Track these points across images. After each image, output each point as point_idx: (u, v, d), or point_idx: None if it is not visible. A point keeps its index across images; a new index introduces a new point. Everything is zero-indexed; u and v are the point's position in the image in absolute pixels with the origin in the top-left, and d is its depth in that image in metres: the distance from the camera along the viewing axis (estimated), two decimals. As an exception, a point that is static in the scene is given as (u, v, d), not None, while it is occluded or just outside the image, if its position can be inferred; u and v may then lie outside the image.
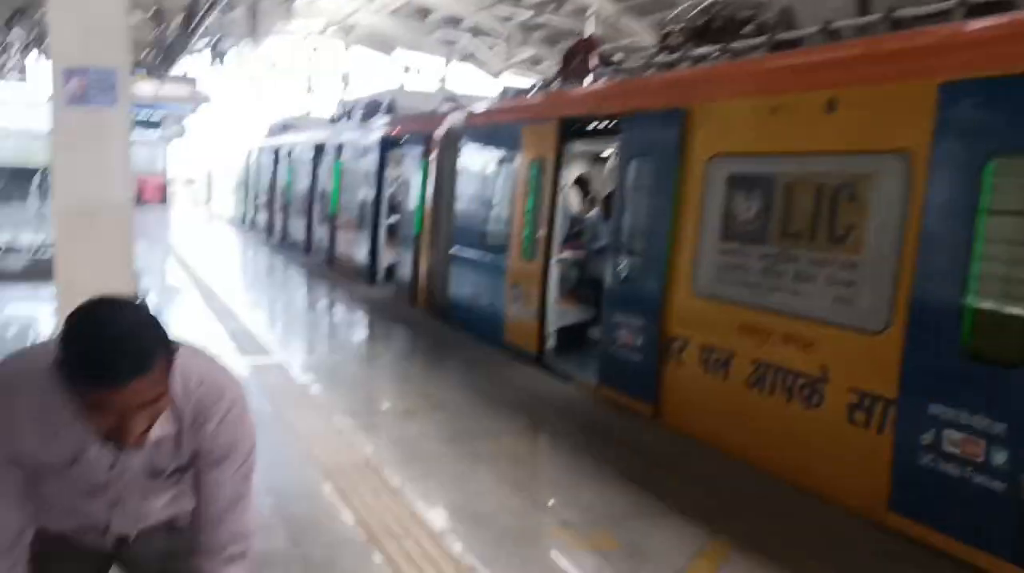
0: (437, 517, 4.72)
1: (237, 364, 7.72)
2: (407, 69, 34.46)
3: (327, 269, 16.64)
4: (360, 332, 11.25)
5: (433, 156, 12.08)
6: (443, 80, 30.60)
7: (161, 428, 1.76)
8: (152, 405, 1.67)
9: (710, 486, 5.37)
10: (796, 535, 4.68)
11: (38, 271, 11.37)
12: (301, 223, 19.88)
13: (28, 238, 15.68)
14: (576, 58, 9.69)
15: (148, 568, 2.12)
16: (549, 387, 7.84)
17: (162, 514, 2.06)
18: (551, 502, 5.15)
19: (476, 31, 30.01)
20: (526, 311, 8.88)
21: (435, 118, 12.54)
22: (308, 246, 19.01)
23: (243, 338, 9.32)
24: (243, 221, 28.37)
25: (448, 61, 32.99)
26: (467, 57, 32.91)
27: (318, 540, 4.38)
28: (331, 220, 17.26)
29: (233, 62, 31.46)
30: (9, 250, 14.88)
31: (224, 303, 11.79)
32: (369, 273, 14.45)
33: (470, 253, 10.65)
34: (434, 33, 31.23)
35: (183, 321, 10.29)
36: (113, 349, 1.60)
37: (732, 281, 6.12)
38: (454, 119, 11.76)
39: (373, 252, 14.47)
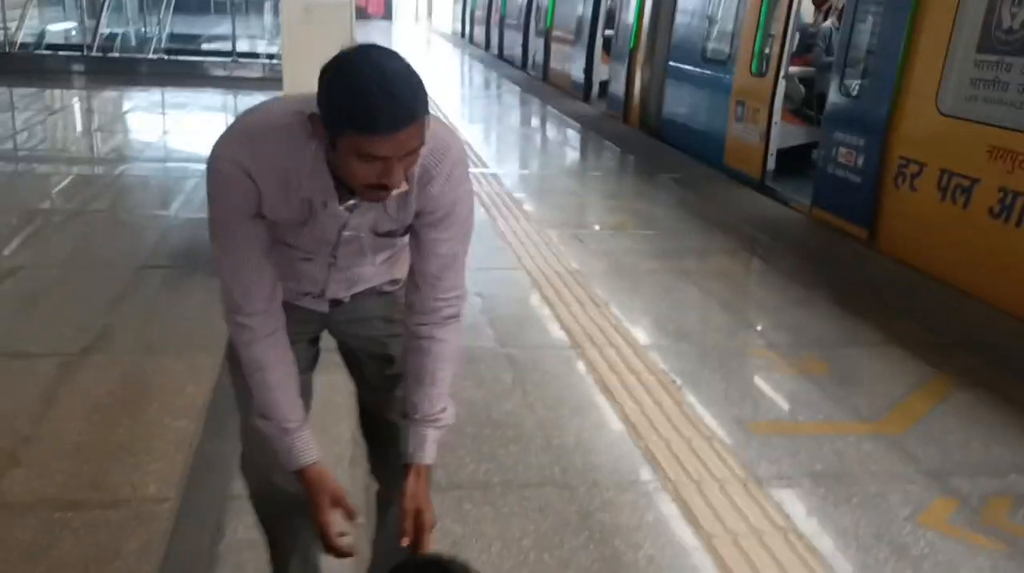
0: (641, 330, 4.69)
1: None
2: None
3: (542, 84, 16.48)
4: (571, 148, 11.15)
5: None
6: None
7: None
8: (412, 155, 1.62)
9: (931, 319, 5.01)
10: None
11: (273, 79, 11.96)
12: (517, 37, 19.62)
13: (263, 47, 16.52)
14: None
15: (359, 333, 2.16)
16: (764, 210, 7.51)
17: (375, 279, 2.08)
18: (759, 326, 4.99)
19: None
20: (751, 131, 8.40)
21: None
22: (524, 61, 18.81)
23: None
24: (463, 35, 28.44)
25: None
26: None
27: (524, 342, 4.49)
28: (546, 34, 16.91)
29: None
30: (246, 58, 15.75)
31: (439, 116, 11.98)
32: (583, 89, 14.15)
33: (690, 68, 10.13)
34: None
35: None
36: (392, 93, 1.52)
37: (988, 99, 5.43)
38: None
39: (588, 68, 14.10)
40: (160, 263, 5.56)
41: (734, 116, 8.77)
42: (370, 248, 1.94)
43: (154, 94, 13.47)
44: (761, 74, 8.28)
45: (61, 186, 7.56)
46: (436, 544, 1.98)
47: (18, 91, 12.80)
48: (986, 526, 3.06)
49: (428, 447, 1.96)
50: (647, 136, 11.06)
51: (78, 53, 15.72)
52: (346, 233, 1.86)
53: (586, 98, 13.93)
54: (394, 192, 1.67)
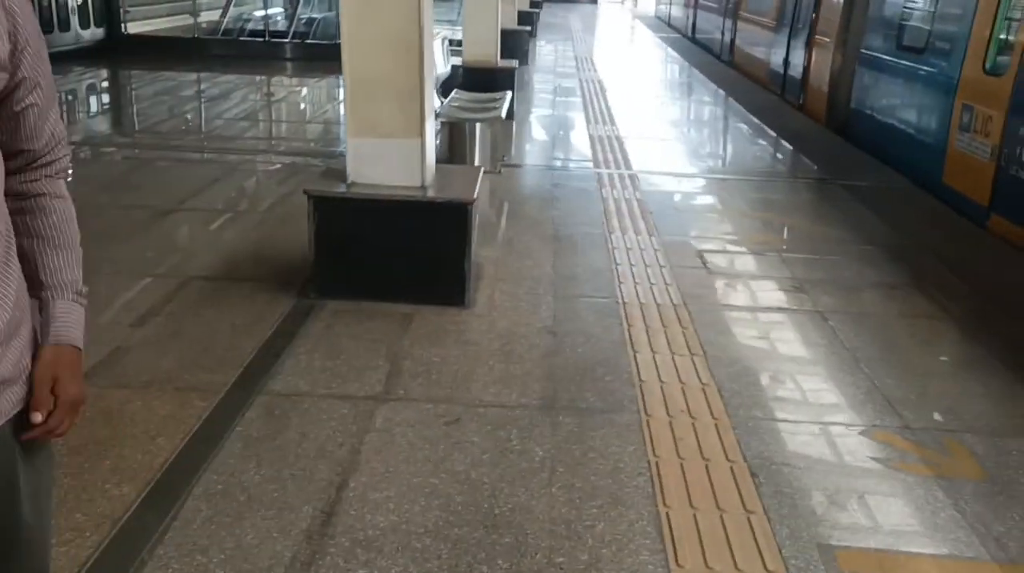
0: (731, 393, 3.73)
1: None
2: None
3: (732, 70, 15.28)
4: (736, 144, 9.96)
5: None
6: None
7: None
8: None
9: None
10: None
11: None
12: (713, 20, 18.38)
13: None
14: None
15: None
16: (966, 241, 6.20)
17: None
18: (896, 398, 3.87)
19: None
20: (980, 145, 6.76)
21: None
22: (722, 48, 17.55)
23: (601, 145, 8.64)
24: (666, 20, 27.37)
25: None
26: None
27: (578, 403, 3.66)
28: (733, 14, 15.68)
29: None
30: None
31: (600, 107, 11.16)
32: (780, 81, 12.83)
33: (892, 55, 8.69)
34: None
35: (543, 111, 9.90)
36: None
37: None
38: None
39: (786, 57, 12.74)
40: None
41: (958, 122, 7.16)
42: None
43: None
44: (999, 71, 6.70)
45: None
46: None
47: (223, 77, 13.00)
48: None
49: (77, 325, 1.51)
50: (830, 133, 9.71)
51: (280, 39, 15.98)
52: None
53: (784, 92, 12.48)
54: None
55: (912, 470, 3.20)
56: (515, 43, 13.40)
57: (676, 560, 2.64)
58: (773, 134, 9.78)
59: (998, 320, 4.66)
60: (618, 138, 9.14)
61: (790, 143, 9.19)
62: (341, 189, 4.44)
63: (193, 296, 4.62)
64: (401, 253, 4.45)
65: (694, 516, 2.86)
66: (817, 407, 3.69)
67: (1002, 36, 6.68)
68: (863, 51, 9.40)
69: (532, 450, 3.25)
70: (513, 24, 14.56)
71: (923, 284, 5.15)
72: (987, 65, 6.80)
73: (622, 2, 37.91)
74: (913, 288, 5.11)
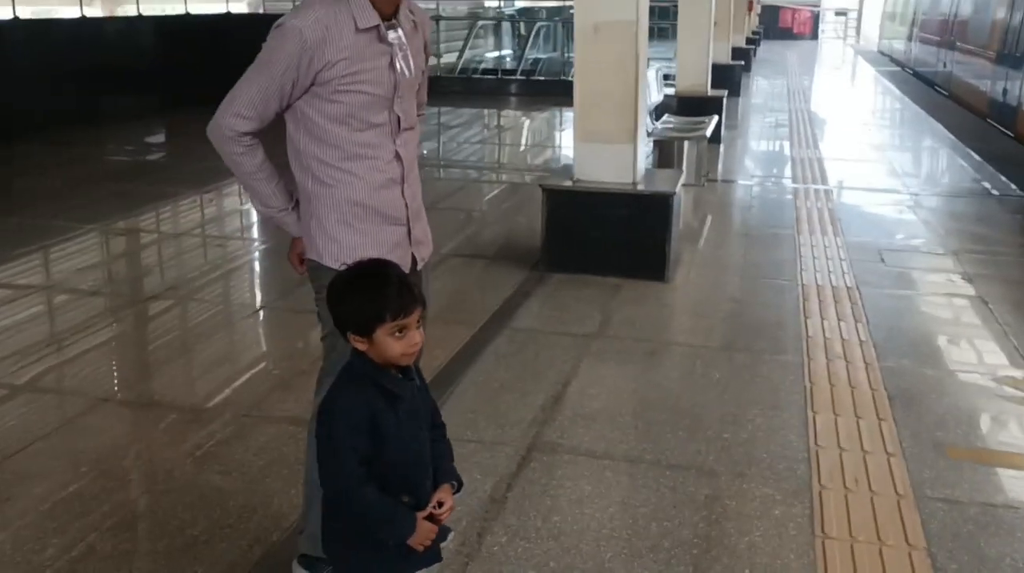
0: (878, 341, 4.50)
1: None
2: None
3: (949, 100, 15.36)
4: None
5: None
6: None
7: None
8: None
9: None
10: None
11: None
12: (930, 53, 18.37)
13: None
14: None
15: None
16: None
17: (424, 217, 2.66)
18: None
19: None
20: None
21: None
22: (938, 78, 17.56)
23: (802, 165, 9.35)
24: (883, 54, 27.09)
25: None
26: None
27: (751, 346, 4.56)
28: (951, 46, 15.74)
29: None
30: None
31: (805, 133, 11.80)
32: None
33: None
34: None
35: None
36: None
37: None
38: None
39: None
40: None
41: None
42: (411, 103, 2.43)
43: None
44: None
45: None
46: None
47: (458, 111, 14.70)
48: None
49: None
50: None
51: (510, 77, 17.68)
52: (397, 65, 2.31)
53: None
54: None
55: (1031, 405, 3.90)
56: (728, 76, 14.27)
57: (816, 441, 3.52)
58: (978, 158, 10.08)
59: None
60: (819, 159, 9.82)
61: (992, 164, 9.50)
62: (568, 183, 5.59)
63: (451, 267, 5.91)
64: (615, 236, 5.52)
65: (835, 421, 3.72)
66: (955, 359, 4.41)
67: None
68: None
69: (711, 373, 4.21)
70: (727, 59, 15.44)
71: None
72: None
73: (844, 38, 37.49)
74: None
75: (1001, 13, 13.31)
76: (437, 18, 17.59)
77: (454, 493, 1.96)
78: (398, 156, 2.40)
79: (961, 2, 16.58)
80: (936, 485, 3.22)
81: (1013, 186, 8.57)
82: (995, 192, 8.42)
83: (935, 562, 2.77)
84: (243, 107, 2.30)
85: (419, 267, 2.54)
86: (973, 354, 4.54)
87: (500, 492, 3.14)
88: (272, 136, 2.40)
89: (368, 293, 1.76)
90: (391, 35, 2.31)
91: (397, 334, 1.75)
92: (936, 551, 2.83)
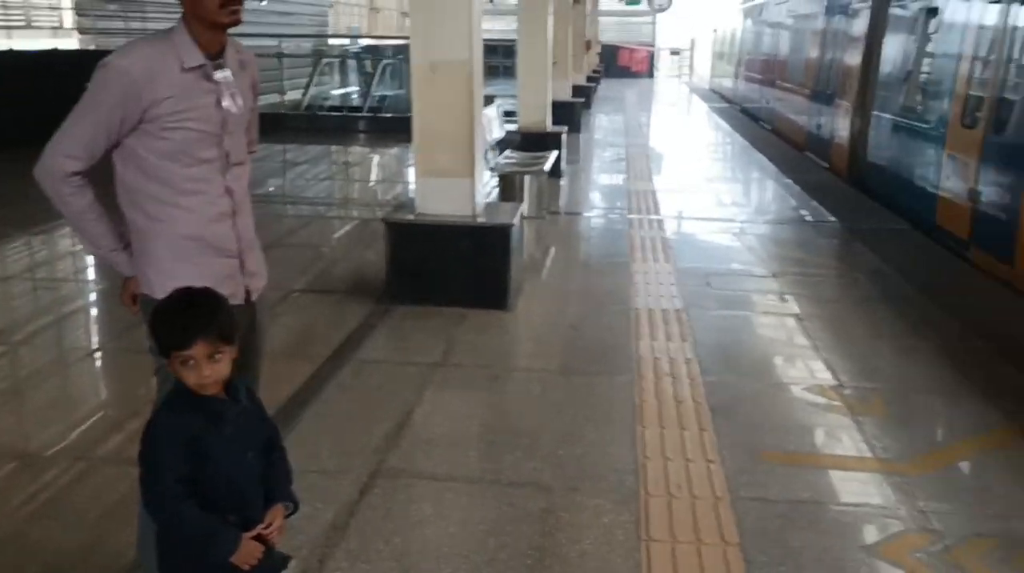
0: (705, 359, 4.82)
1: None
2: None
3: (772, 135, 16.44)
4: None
5: (865, 6, 11.23)
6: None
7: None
8: None
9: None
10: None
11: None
12: (755, 90, 19.65)
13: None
14: None
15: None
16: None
17: (257, 249, 2.67)
18: (836, 367, 4.91)
19: None
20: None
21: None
22: (761, 114, 18.80)
23: (637, 197, 9.85)
24: (714, 91, 28.66)
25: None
26: None
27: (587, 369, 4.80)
28: (772, 84, 16.93)
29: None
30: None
31: (642, 167, 12.40)
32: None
33: (896, 114, 9.81)
34: None
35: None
36: None
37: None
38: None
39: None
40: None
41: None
42: (241, 140, 2.50)
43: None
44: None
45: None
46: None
47: (304, 148, 14.54)
48: (949, 566, 3.00)
49: None
50: (849, 186, 10.75)
51: (356, 114, 17.66)
52: (224, 103, 2.38)
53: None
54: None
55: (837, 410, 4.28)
56: (569, 113, 14.85)
57: (644, 453, 3.76)
58: (797, 187, 10.85)
59: (939, 320, 5.67)
60: (653, 191, 10.34)
61: (808, 193, 10.26)
62: (410, 217, 5.73)
63: (298, 303, 5.92)
64: (457, 268, 5.68)
65: (661, 433, 3.97)
66: (771, 372, 4.78)
67: (974, 94, 7.77)
68: (874, 113, 10.52)
69: (549, 395, 4.42)
70: (568, 96, 16.04)
71: (893, 299, 6.19)
72: (965, 121, 7.89)
73: (678, 76, 39.46)
74: (883, 300, 6.15)
75: (814, 54, 14.44)
76: (279, 55, 17.47)
77: (289, 515, 2.04)
78: (228, 191, 2.47)
79: (780, 44, 17.85)
80: (750, 486, 3.50)
81: (827, 213, 9.28)
82: (811, 219, 9.10)
83: (747, 556, 3.02)
84: (71, 147, 2.32)
85: (253, 298, 2.61)
86: (787, 367, 4.93)
87: (342, 519, 3.21)
88: (100, 174, 2.43)
89: (159, 324, 1.86)
90: (218, 74, 2.39)
91: (191, 363, 1.83)
92: (748, 546, 3.08)
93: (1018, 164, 6.61)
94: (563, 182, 10.86)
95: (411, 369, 4.71)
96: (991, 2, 7.62)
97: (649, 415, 4.14)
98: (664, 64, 40.32)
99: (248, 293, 2.58)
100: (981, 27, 7.77)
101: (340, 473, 3.55)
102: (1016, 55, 7.09)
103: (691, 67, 39.32)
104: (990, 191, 7.15)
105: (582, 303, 6.00)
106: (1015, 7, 7.13)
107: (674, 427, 4.02)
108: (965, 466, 3.84)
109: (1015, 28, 7.09)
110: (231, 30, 2.41)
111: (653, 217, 8.90)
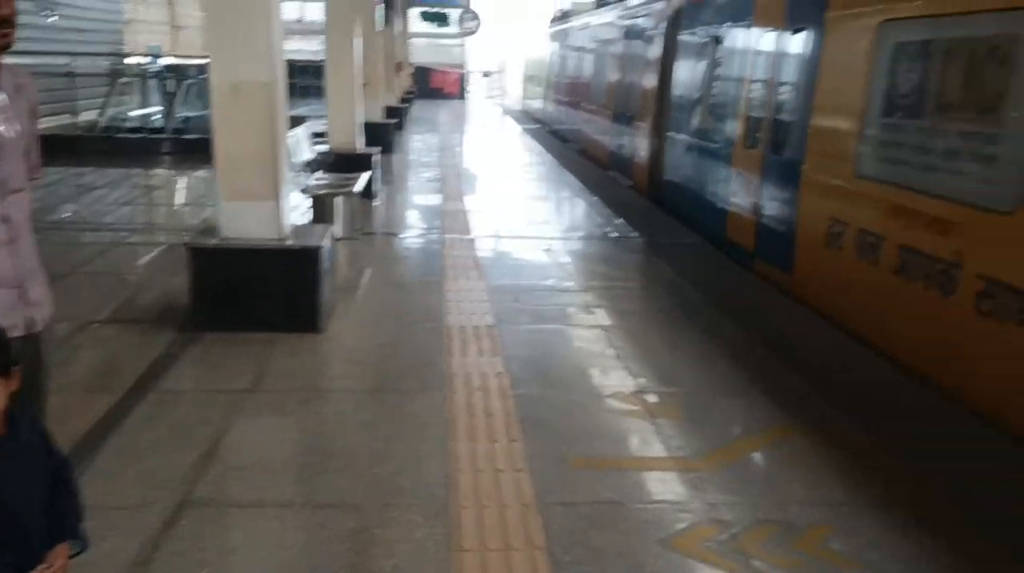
0: (516, 371, 4.98)
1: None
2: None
3: (579, 157, 17.07)
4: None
5: (658, 33, 11.93)
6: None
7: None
8: None
9: (824, 369, 5.19)
10: (882, 421, 4.44)
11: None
12: (563, 112, 20.36)
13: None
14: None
15: None
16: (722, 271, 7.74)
17: (41, 277, 2.54)
18: (637, 373, 5.20)
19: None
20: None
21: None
22: (570, 135, 19.49)
23: (451, 217, 10.00)
24: (525, 112, 29.43)
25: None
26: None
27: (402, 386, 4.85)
28: (578, 106, 17.62)
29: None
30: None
31: (456, 187, 12.59)
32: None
33: (688, 134, 10.45)
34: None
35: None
36: None
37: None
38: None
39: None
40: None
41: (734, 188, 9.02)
42: (18, 166, 2.40)
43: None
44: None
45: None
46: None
47: (103, 171, 13.77)
48: (734, 552, 3.25)
49: None
50: (649, 202, 11.34)
51: (159, 135, 16.90)
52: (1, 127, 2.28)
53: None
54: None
55: (639, 415, 4.52)
56: (382, 134, 14.89)
57: (456, 466, 3.84)
58: (603, 205, 11.34)
59: (729, 327, 6.11)
60: (466, 211, 10.53)
61: (614, 210, 10.75)
62: (215, 241, 5.59)
63: (96, 334, 5.63)
64: (266, 291, 5.59)
65: (472, 447, 4.07)
66: (577, 382, 4.99)
67: (755, 116, 8.42)
68: (668, 133, 11.17)
69: (362, 415, 4.43)
70: (380, 118, 16.08)
71: (688, 308, 6.60)
72: (748, 141, 8.53)
73: (491, 97, 40.26)
74: (680, 310, 6.54)
75: (615, 78, 15.15)
76: (70, 74, 16.55)
77: (76, 554, 1.97)
78: (5, 218, 2.37)
79: (585, 68, 18.61)
80: (557, 492, 3.65)
81: (631, 229, 9.76)
82: (616, 235, 9.54)
83: (554, 558, 3.16)
84: None
85: (38, 329, 2.50)
86: (593, 377, 5.15)
87: (145, 553, 3.10)
88: None
89: None
90: None
91: None
92: (554, 549, 3.22)
93: (792, 181, 7.21)
94: (377, 203, 10.88)
95: (220, 396, 4.60)
96: (766, 31, 8.30)
97: (461, 429, 4.24)
98: (476, 86, 41.04)
99: (31, 324, 2.47)
100: (758, 54, 8.43)
101: (144, 506, 3.43)
102: (786, 80, 7.75)
103: (503, 89, 40.20)
104: (771, 206, 7.76)
105: (395, 322, 6.04)
106: (786, 35, 7.80)
107: (485, 440, 4.13)
108: (751, 460, 4.15)
109: (787, 55, 7.76)
110: (13, 50, 2.32)
111: (467, 236, 9.07)
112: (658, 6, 12.49)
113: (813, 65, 7.11)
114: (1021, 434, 4.32)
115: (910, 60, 5.73)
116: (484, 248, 8.60)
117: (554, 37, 24.15)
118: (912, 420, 4.57)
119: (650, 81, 12.44)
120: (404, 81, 27.19)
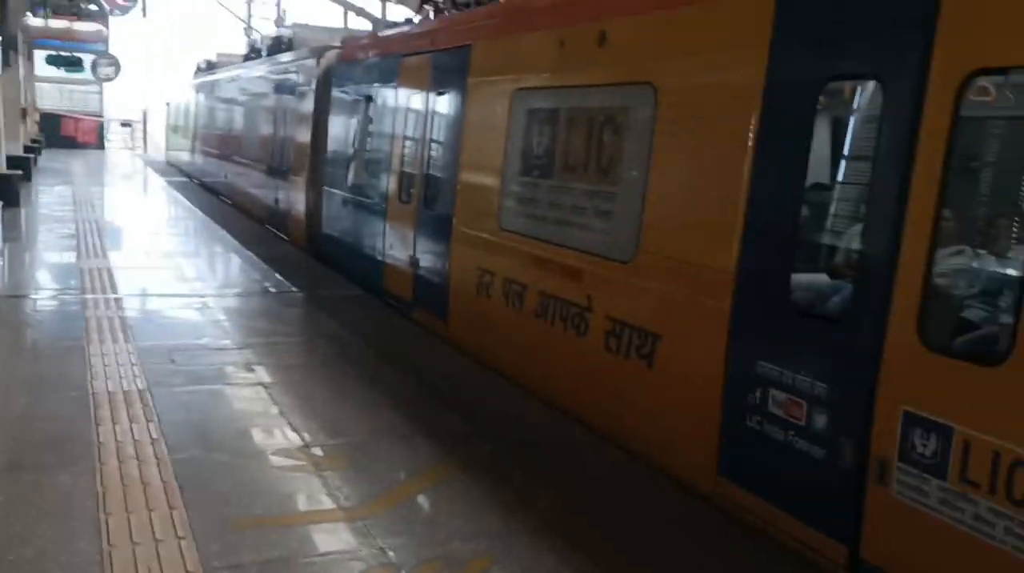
0: (171, 435, 4.77)
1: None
2: (347, 10, 34.45)
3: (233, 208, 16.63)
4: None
5: (310, 89, 12.08)
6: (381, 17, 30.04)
7: None
8: None
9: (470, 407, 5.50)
10: (535, 454, 4.81)
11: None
12: (214, 165, 19.76)
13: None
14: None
15: None
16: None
17: None
18: (300, 426, 5.20)
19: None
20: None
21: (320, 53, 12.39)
22: (221, 188, 18.92)
23: (91, 276, 9.31)
24: (171, 164, 28.14)
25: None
26: (405, -1, 32.31)
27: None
28: (230, 159, 17.27)
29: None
30: None
31: (96, 243, 11.74)
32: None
33: (344, 190, 10.62)
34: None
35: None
36: None
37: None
38: (330, 55, 11.69)
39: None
40: None
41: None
42: None
43: None
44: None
45: None
46: None
47: None
48: (405, 592, 3.36)
49: None
50: (309, 257, 11.33)
51: None
52: None
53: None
54: None
55: (305, 469, 4.50)
56: (6, 186, 13.50)
57: (109, 541, 3.59)
58: (260, 260, 11.12)
59: (392, 374, 6.29)
60: (109, 269, 9.82)
61: (271, 265, 10.60)
62: None
63: None
64: None
65: (128, 518, 3.82)
66: (240, 442, 4.87)
67: (408, 172, 8.80)
68: (325, 188, 11.28)
69: (-6, 497, 3.98)
70: (2, 168, 14.57)
71: (351, 359, 6.68)
72: (402, 197, 8.87)
73: (132, 148, 37.85)
74: (343, 361, 6.61)
75: (268, 131, 15.00)
76: None
77: None
78: None
79: (234, 120, 18.21)
80: (223, 556, 3.54)
81: (290, 284, 9.68)
82: (275, 290, 9.42)
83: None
84: None
85: None
86: (256, 435, 5.04)
87: None
88: None
89: None
90: None
91: None
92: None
93: (445, 234, 7.61)
94: (2, 262, 9.81)
95: None
96: (413, 92, 8.73)
97: (114, 502, 3.96)
98: (116, 135, 38.39)
99: None
100: (408, 113, 8.84)
101: None
102: (436, 138, 8.21)
103: (145, 139, 37.98)
104: (426, 258, 8.12)
105: (31, 392, 5.50)
106: (432, 96, 8.26)
107: (142, 510, 3.90)
108: (417, 502, 4.30)
109: (435, 115, 8.22)
110: None
111: (111, 296, 8.47)
112: (309, 62, 12.63)
113: (459, 126, 7.60)
114: (647, 453, 4.89)
115: (541, 125, 6.35)
116: (132, 308, 8.11)
117: (200, 88, 23.40)
118: (563, 451, 5.00)
119: (304, 135, 12.49)
120: (31, 128, 24.84)
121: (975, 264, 3.98)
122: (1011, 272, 3.70)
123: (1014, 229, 4.33)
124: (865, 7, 3.79)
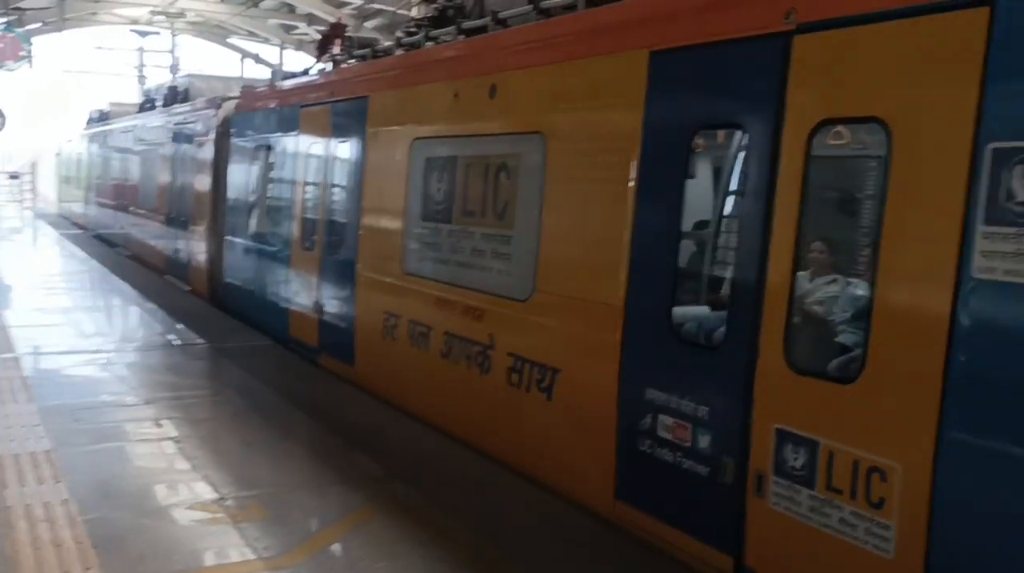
0: (87, 497, 4.78)
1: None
2: (243, 57, 34.32)
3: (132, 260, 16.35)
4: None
5: (209, 139, 12.10)
6: (278, 67, 30.02)
7: None
8: None
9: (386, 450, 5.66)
10: (450, 492, 4.99)
11: None
12: (110, 215, 19.41)
13: None
14: (329, 43, 9.79)
15: None
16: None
17: None
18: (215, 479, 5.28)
19: (312, 19, 29.51)
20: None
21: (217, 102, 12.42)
22: (118, 239, 18.58)
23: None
24: (63, 216, 27.39)
25: (284, 48, 32.54)
26: (304, 45, 32.38)
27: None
28: (127, 209, 17.04)
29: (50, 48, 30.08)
30: None
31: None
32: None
33: (246, 238, 10.65)
34: (269, 20, 30.72)
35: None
36: None
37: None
38: (228, 105, 11.74)
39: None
40: None
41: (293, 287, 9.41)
42: None
43: None
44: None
45: None
46: None
47: None
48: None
49: None
50: (212, 307, 11.27)
51: None
52: None
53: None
54: None
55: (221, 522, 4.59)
56: None
57: (23, 606, 3.63)
58: (162, 312, 11.01)
59: (303, 422, 6.40)
60: (4, 328, 9.61)
61: (174, 317, 10.52)
62: None
63: None
64: None
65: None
66: (154, 498, 4.92)
67: (309, 218, 8.94)
68: (227, 237, 11.29)
69: (-99, 570, 3.95)
70: None
71: (262, 409, 6.75)
72: (305, 243, 8.99)
73: (20, 201, 36.60)
74: (253, 412, 6.68)
75: (166, 181, 14.85)
76: None
77: None
78: None
79: (131, 170, 17.91)
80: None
81: (195, 335, 9.64)
82: (179, 342, 9.37)
83: None
84: None
85: None
86: (169, 491, 5.10)
87: None
88: None
89: None
90: None
91: None
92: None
93: (349, 279, 7.77)
94: None
95: None
96: (314, 140, 8.88)
97: (26, 567, 3.99)
98: (3, 188, 37.09)
99: None
100: (309, 160, 8.98)
101: None
102: (337, 185, 8.38)
103: (34, 191, 36.79)
104: (331, 304, 8.25)
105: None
106: (333, 143, 8.43)
107: (55, 572, 3.93)
108: (336, 549, 4.41)
109: (336, 162, 8.39)
110: None
111: (7, 355, 8.32)
112: (207, 112, 12.64)
113: (359, 174, 7.79)
114: (551, 482, 5.13)
115: (439, 172, 6.60)
116: (31, 367, 7.98)
117: (94, 138, 22.95)
118: (479, 489, 5.19)
119: (204, 184, 12.47)
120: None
121: (832, 290, 4.38)
122: (862, 294, 4.09)
123: (863, 255, 4.76)
124: (727, 66, 4.17)
